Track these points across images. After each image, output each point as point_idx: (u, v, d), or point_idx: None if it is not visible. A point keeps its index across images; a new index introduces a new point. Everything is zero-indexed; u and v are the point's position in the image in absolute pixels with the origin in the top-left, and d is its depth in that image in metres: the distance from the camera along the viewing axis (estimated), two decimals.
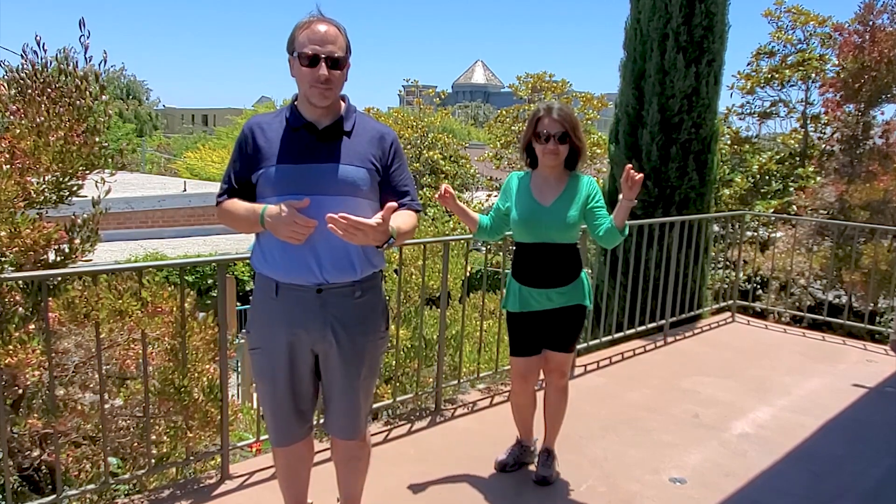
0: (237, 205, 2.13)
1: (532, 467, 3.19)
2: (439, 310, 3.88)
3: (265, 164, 2.09)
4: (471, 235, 3.22)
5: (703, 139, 6.19)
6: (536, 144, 2.87)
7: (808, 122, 10.84)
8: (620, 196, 2.74)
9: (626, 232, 2.85)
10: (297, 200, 2.00)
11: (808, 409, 4.08)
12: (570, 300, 2.95)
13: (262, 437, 3.41)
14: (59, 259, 3.12)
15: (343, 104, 2.17)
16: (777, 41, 11.02)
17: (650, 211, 6.22)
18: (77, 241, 3.19)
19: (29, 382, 2.71)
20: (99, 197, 3.23)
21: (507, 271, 3.08)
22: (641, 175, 2.67)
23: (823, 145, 10.26)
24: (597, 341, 4.94)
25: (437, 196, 2.80)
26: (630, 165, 2.72)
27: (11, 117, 3.07)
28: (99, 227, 3.29)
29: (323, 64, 2.02)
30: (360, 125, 2.18)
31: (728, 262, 8.77)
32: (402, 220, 2.13)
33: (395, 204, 2.05)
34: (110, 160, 3.28)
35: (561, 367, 3.04)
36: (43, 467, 3.14)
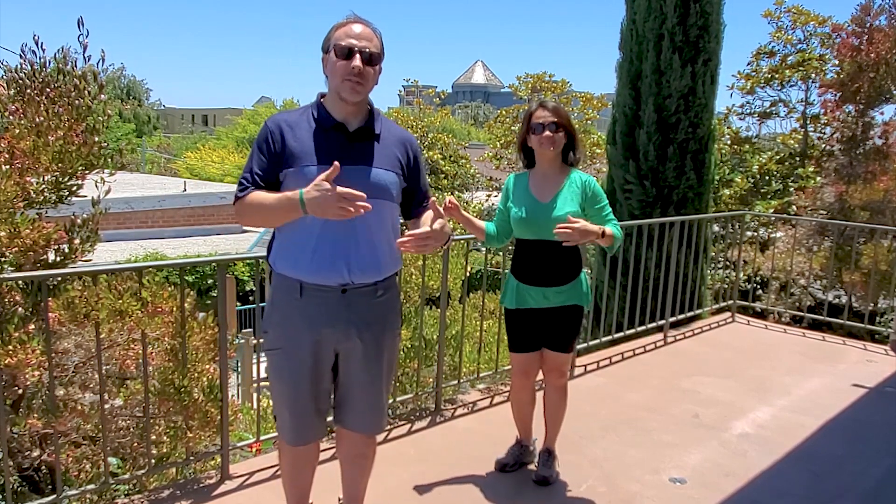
0: (264, 196, 2.06)
1: (532, 467, 3.19)
2: (439, 310, 3.89)
3: (298, 163, 2.06)
4: (471, 235, 3.23)
5: (701, 139, 6.20)
6: (532, 137, 2.90)
7: (808, 122, 10.85)
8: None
9: (621, 234, 2.96)
10: (327, 170, 1.92)
11: (808, 409, 4.08)
12: (568, 300, 2.95)
13: (262, 437, 3.41)
14: (58, 259, 3.11)
15: (369, 107, 2.18)
16: (777, 41, 11.04)
17: (648, 211, 6.23)
18: (77, 241, 3.19)
19: (29, 382, 2.70)
20: (99, 197, 3.23)
21: (507, 271, 3.08)
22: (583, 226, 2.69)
23: (823, 145, 10.27)
24: (597, 341, 4.94)
25: (442, 209, 2.81)
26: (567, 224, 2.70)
27: (10, 117, 3.07)
28: (99, 227, 3.29)
29: (358, 56, 2.04)
30: (385, 129, 2.20)
31: (728, 262, 8.78)
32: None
33: (433, 211, 2.15)
34: (110, 160, 3.28)
35: (559, 367, 3.05)
36: (43, 467, 3.14)
